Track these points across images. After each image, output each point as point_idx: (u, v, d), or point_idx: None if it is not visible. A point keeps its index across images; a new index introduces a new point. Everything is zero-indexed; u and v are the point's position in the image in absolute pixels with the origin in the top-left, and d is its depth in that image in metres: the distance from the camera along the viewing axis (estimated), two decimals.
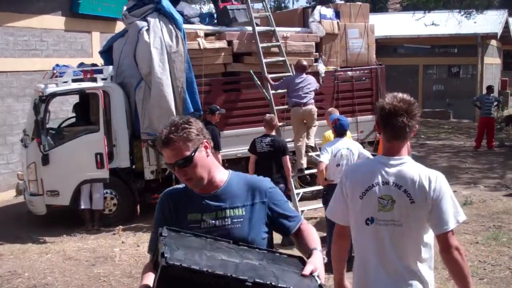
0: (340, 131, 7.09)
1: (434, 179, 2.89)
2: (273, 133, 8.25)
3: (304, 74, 9.96)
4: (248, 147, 9.71)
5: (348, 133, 7.60)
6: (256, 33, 10.28)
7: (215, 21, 11.32)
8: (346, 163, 6.80)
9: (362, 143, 10.42)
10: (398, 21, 28.23)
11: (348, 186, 3.05)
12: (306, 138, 9.93)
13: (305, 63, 10.10)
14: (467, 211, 9.63)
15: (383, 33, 24.18)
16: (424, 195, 2.86)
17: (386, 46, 25.11)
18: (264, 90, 10.06)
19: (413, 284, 2.89)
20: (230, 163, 10.08)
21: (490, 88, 16.70)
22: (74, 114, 10.85)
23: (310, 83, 9.94)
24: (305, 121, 9.90)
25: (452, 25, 23.01)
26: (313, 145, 9.98)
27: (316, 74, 10.85)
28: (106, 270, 7.12)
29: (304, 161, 9.91)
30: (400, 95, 3.01)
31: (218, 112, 9.41)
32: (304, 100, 9.74)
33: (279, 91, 10.09)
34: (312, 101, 9.91)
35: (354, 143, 7.24)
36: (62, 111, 12.40)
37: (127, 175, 9.75)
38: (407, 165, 2.95)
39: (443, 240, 2.87)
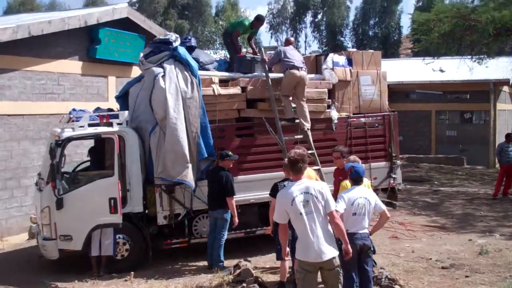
0: (355, 178, 7.04)
1: (324, 187, 6.00)
2: None
3: (292, 46, 10.82)
4: (261, 192, 9.80)
5: (366, 181, 7.57)
6: (269, 80, 10.41)
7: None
8: (363, 213, 6.76)
9: (376, 190, 10.42)
10: (410, 67, 28.48)
11: (283, 200, 5.91)
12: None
13: (292, 38, 11.44)
14: (483, 260, 9.51)
15: (396, 78, 24.39)
16: (321, 195, 5.86)
17: (398, 92, 25.29)
18: (276, 136, 10.14)
19: (328, 240, 5.81)
20: (242, 209, 10.09)
21: (509, 136, 16.67)
22: (89, 158, 10.95)
23: (300, 56, 10.76)
24: (294, 90, 10.34)
25: (463, 70, 23.06)
26: (308, 126, 10.27)
27: (329, 120, 10.96)
28: None
29: (290, 113, 10.30)
30: (298, 151, 6.18)
31: (227, 158, 9.39)
32: (301, 65, 10.36)
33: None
34: (305, 68, 10.51)
35: (371, 192, 7.20)
36: (76, 154, 12.53)
37: (140, 220, 9.74)
38: (307, 183, 5.95)
39: (331, 214, 5.90)
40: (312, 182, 6.11)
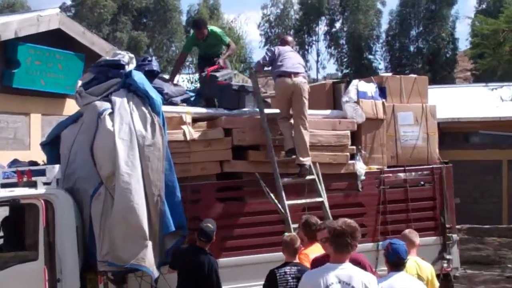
0: (394, 260, 7.03)
1: (371, 279, 6.21)
2: (296, 259, 8.29)
3: (290, 47, 11.39)
4: (254, 282, 9.78)
5: (427, 267, 7.62)
6: (265, 119, 10.58)
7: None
8: None
9: (419, 277, 10.37)
10: (470, 97, 28.54)
11: (311, 286, 6.13)
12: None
13: (290, 37, 12.04)
14: None
15: (449, 114, 24.49)
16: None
17: (453, 134, 25.33)
18: (275, 201, 10.18)
19: None
20: None
21: None
22: (1, 233, 10.93)
23: (299, 58, 11.35)
24: (292, 98, 10.72)
25: None
26: (306, 162, 10.46)
27: (352, 176, 11.07)
28: None
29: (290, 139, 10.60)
30: (348, 220, 6.41)
31: (206, 238, 9.18)
32: (295, 70, 10.80)
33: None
34: (304, 73, 10.97)
35: (418, 283, 7.24)
36: None
37: None
38: (351, 269, 6.14)
39: None
40: (357, 270, 6.22)
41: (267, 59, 11.01)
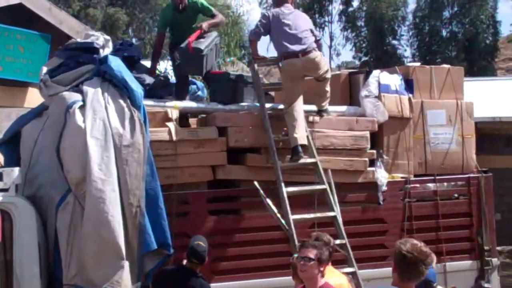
0: (421, 285, 7.02)
1: None
2: None
3: (290, 5, 11.18)
4: None
5: None
6: (266, 116, 10.56)
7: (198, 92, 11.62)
8: None
9: None
10: None
11: None
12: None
13: None
14: None
15: (489, 113, 24.46)
16: None
17: (493, 136, 25.33)
18: (278, 214, 10.10)
19: None
20: None
21: None
22: None
23: (304, 19, 11.32)
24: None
25: None
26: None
27: (371, 186, 11.04)
28: None
29: (301, 134, 10.40)
30: (419, 245, 5.96)
31: (198, 259, 9.18)
32: (303, 46, 10.75)
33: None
34: (314, 45, 10.96)
35: None
36: None
37: None
38: None
39: None
40: None
41: (261, 27, 11.01)
